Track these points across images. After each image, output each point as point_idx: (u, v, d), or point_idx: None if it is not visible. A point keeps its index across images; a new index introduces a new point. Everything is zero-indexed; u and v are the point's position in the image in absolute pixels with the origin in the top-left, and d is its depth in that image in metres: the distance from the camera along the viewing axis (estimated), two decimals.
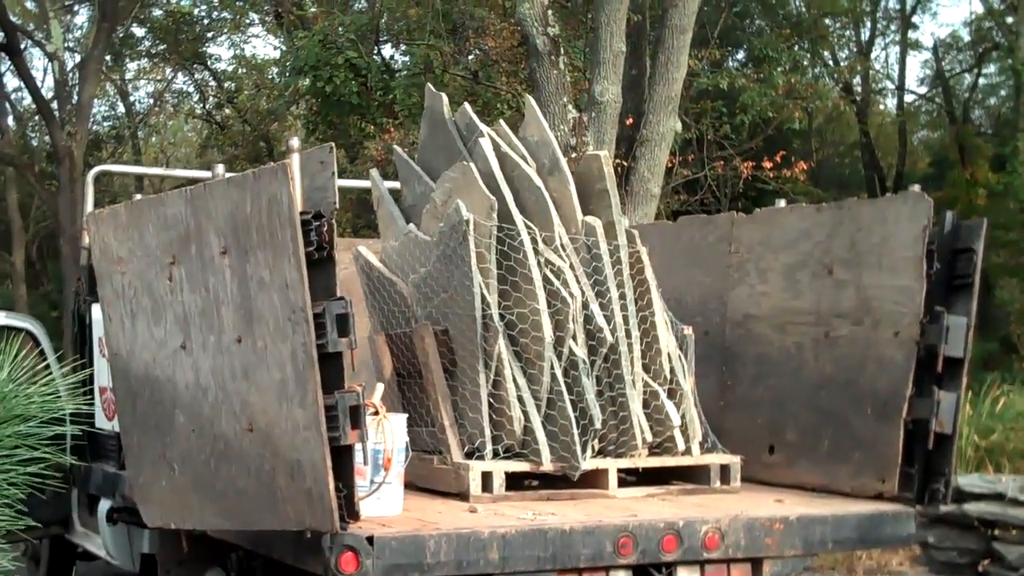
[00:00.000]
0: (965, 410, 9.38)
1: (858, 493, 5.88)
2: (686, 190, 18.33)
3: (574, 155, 10.62)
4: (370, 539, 4.68)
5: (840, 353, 6.11)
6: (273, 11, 23.91)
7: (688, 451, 6.12)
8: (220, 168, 5.89)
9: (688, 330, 6.45)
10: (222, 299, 4.99)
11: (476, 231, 5.86)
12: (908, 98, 29.63)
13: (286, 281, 4.61)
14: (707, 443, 6.23)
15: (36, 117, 27.28)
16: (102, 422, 7.50)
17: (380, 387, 5.51)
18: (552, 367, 5.83)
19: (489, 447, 5.80)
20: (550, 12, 11.94)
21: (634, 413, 5.96)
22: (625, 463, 5.96)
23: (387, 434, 5.20)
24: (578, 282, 5.99)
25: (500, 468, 5.71)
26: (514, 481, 5.75)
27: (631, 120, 13.98)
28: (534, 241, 5.95)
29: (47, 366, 7.57)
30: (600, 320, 5.95)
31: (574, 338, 5.88)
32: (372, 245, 6.97)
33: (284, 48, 23.02)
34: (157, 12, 26.51)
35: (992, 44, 26.47)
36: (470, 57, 18.62)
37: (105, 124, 30.79)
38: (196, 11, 26.79)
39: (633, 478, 6.09)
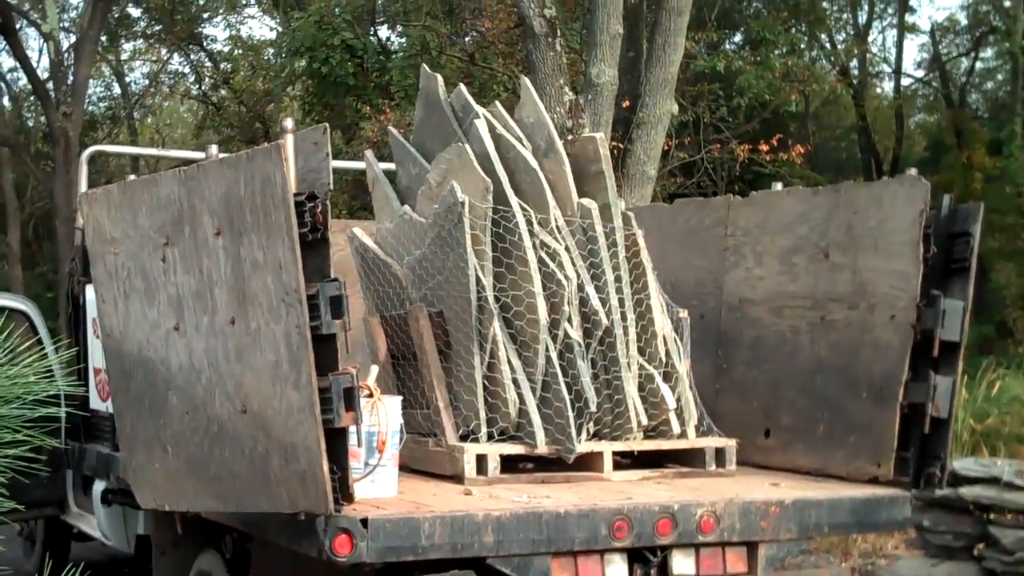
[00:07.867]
0: (961, 394, 9.36)
1: (854, 477, 5.87)
2: (682, 173, 18.31)
3: (570, 137, 10.58)
4: (364, 521, 4.67)
5: (836, 337, 6.09)
6: None
7: (683, 434, 6.11)
8: (214, 148, 5.84)
9: (684, 313, 6.43)
10: (215, 280, 4.97)
11: (471, 213, 5.83)
12: (905, 81, 29.67)
13: (280, 262, 4.59)
14: (702, 426, 6.21)
15: (32, 97, 27.24)
16: (96, 403, 7.48)
17: (375, 369, 5.50)
18: (547, 350, 5.81)
19: (484, 430, 5.79)
20: None
21: (629, 396, 5.94)
22: (620, 446, 5.95)
23: (382, 416, 5.18)
24: (573, 264, 5.97)
25: (495, 451, 5.69)
26: (509, 464, 5.74)
27: (628, 102, 13.97)
28: (529, 223, 5.92)
29: (42, 347, 7.54)
30: (595, 303, 5.93)
31: (569, 321, 5.86)
32: (367, 227, 6.94)
33: (280, 29, 22.94)
34: None
35: (989, 28, 26.47)
36: (467, 39, 18.57)
37: (101, 105, 30.79)
38: None
39: (628, 461, 6.07)
